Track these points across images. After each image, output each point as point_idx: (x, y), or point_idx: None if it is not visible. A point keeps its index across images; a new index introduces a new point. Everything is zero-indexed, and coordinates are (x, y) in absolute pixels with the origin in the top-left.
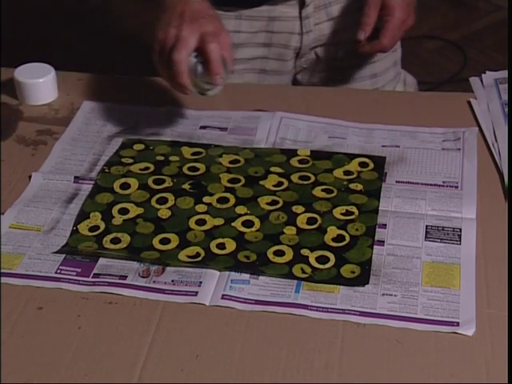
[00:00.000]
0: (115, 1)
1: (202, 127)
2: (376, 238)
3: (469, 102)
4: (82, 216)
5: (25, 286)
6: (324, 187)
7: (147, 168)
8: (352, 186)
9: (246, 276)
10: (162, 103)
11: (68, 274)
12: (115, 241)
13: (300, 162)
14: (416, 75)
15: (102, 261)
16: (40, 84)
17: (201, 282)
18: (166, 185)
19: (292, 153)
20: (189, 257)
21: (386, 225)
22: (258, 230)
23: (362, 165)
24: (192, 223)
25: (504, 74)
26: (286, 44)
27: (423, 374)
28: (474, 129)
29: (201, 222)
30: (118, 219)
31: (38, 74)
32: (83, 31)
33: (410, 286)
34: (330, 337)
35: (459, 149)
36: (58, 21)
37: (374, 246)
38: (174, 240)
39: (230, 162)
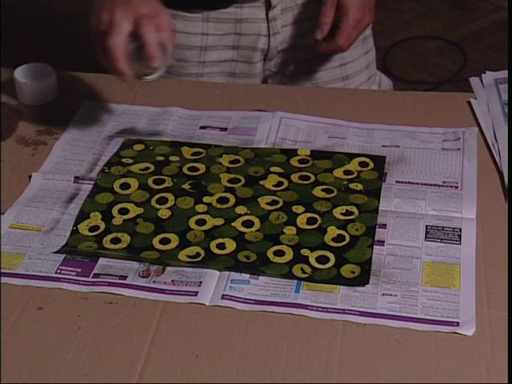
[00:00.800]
0: None
1: (202, 127)
2: (376, 238)
3: (469, 102)
4: (82, 216)
5: (25, 285)
6: (324, 187)
7: (147, 168)
8: (352, 185)
9: (245, 276)
10: (162, 103)
11: (68, 274)
12: (115, 241)
13: (300, 161)
14: (416, 75)
15: (102, 261)
16: (40, 84)
17: (201, 282)
18: (165, 185)
19: (292, 153)
20: (189, 257)
21: (385, 225)
22: (257, 230)
23: (362, 165)
24: (192, 223)
25: (504, 74)
26: (253, 46)
27: (423, 373)
28: (474, 129)
29: (201, 222)
30: (118, 219)
31: (38, 74)
32: (83, 31)
33: (410, 286)
34: (329, 337)
35: (459, 149)
36: (57, 21)
37: (374, 246)
38: (174, 240)
39: (230, 162)
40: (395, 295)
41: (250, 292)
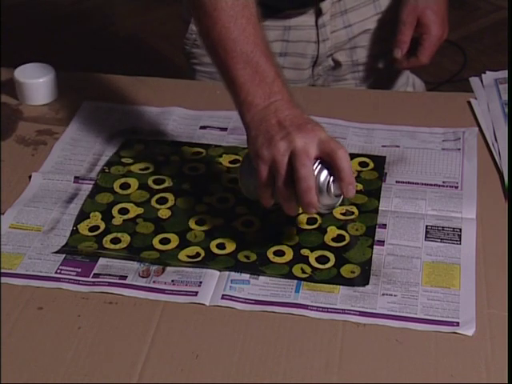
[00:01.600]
0: (115, 1)
1: (202, 127)
2: (376, 238)
3: (469, 102)
4: (82, 216)
5: (25, 285)
6: None
7: (147, 168)
8: None
9: (245, 276)
10: (162, 103)
11: (68, 274)
12: (115, 241)
13: None
14: (416, 75)
15: (102, 261)
16: (40, 84)
17: (201, 282)
18: (165, 185)
19: None
20: (189, 257)
21: (385, 225)
22: (258, 230)
23: (362, 164)
24: (192, 223)
25: (504, 74)
26: (302, 53)
27: (423, 373)
28: (474, 129)
29: (201, 222)
30: (117, 219)
31: (38, 74)
32: (83, 31)
33: (410, 285)
34: (329, 337)
35: (459, 149)
36: (57, 21)
37: (374, 246)
38: (174, 240)
39: (230, 162)
40: (395, 295)
41: (250, 292)
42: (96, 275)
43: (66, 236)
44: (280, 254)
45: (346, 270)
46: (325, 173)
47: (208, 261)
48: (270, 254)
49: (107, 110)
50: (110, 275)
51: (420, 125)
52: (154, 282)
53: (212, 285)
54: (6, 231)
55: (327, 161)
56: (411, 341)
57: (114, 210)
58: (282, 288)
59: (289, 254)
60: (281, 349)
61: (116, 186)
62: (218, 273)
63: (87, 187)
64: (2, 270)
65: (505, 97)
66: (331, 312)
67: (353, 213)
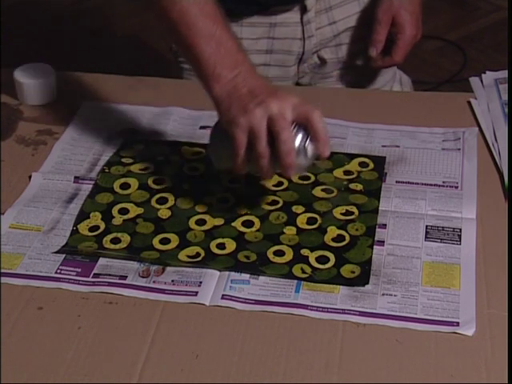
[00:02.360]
0: (115, 1)
1: (202, 127)
2: (376, 238)
3: (469, 102)
4: (82, 216)
5: (25, 285)
6: (324, 187)
7: (147, 168)
8: (352, 185)
9: (246, 276)
10: (162, 103)
11: (68, 274)
12: (115, 241)
13: None
14: (416, 75)
15: (102, 261)
16: (40, 84)
17: (201, 282)
18: (165, 185)
19: None
20: (189, 257)
21: (385, 225)
22: (258, 230)
23: (362, 165)
24: (192, 223)
25: (504, 74)
26: (288, 50)
27: (423, 373)
28: (474, 129)
29: (201, 222)
30: (118, 219)
31: (38, 74)
32: (83, 31)
33: (410, 286)
34: (329, 337)
35: (459, 149)
36: (57, 21)
37: (374, 246)
38: (174, 240)
39: None
40: (395, 295)
41: (250, 292)
42: (96, 275)
43: (65, 236)
44: (280, 254)
45: (346, 270)
46: (300, 135)
47: (208, 261)
48: (269, 254)
49: (107, 110)
50: (109, 275)
51: (420, 125)
52: (153, 281)
53: (212, 285)
54: (5, 231)
55: (302, 124)
56: (411, 341)
57: (114, 210)
58: (282, 288)
59: (289, 254)
60: (281, 349)
61: (116, 185)
62: (218, 273)
63: (87, 187)
64: (2, 270)
65: (505, 97)
66: (331, 312)
67: (353, 213)
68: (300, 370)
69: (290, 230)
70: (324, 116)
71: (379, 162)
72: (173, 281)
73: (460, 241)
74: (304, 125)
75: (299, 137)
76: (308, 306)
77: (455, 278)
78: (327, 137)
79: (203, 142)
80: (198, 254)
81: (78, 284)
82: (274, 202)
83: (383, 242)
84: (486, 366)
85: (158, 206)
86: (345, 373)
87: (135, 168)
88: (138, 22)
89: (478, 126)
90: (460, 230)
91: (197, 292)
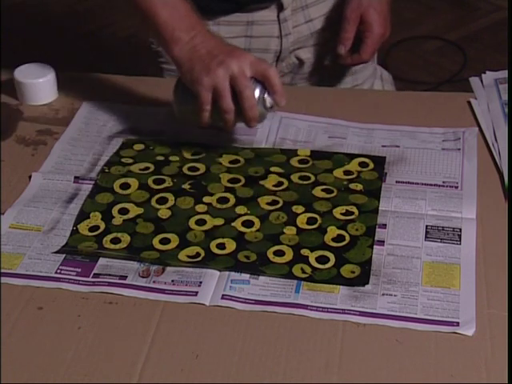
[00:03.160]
0: (115, 1)
1: (202, 127)
2: (376, 238)
3: (469, 102)
4: (82, 216)
5: (25, 285)
6: (324, 187)
7: (147, 168)
8: (352, 185)
9: (246, 276)
10: (162, 103)
11: (68, 274)
12: (115, 241)
13: (300, 161)
14: (416, 75)
15: (101, 261)
16: (40, 84)
17: (201, 282)
18: (165, 185)
19: (292, 153)
20: (189, 257)
21: (385, 225)
22: (258, 230)
23: (362, 165)
24: (192, 223)
25: (504, 74)
26: (265, 48)
27: (423, 373)
28: (474, 129)
29: (201, 222)
30: (118, 219)
31: (38, 74)
32: (83, 31)
33: (410, 286)
34: (329, 337)
35: (459, 149)
36: (57, 21)
37: (374, 246)
38: (174, 240)
39: (230, 162)
40: (395, 295)
41: (250, 292)
42: (96, 275)
43: (65, 236)
44: (280, 254)
45: (346, 270)
46: (259, 89)
47: (208, 261)
48: (269, 254)
49: (107, 110)
50: (109, 275)
51: (420, 125)
52: (154, 281)
53: (212, 285)
54: (5, 231)
55: (260, 79)
56: (411, 341)
57: (114, 210)
58: (281, 288)
59: (289, 254)
60: (281, 349)
61: (116, 186)
62: (218, 273)
63: (87, 187)
64: (2, 270)
65: (505, 97)
66: (331, 312)
67: (353, 213)
68: (300, 370)
69: (290, 230)
70: (324, 116)
71: (379, 161)
72: (173, 281)
73: (460, 241)
74: (261, 80)
75: (257, 90)
76: (308, 305)
77: (455, 278)
78: (283, 89)
79: (203, 142)
80: (197, 254)
81: (78, 284)
82: (274, 202)
83: (383, 241)
84: (486, 366)
85: (157, 206)
86: (345, 373)
87: (135, 168)
88: (137, 22)
89: (478, 126)
90: (460, 229)
91: (197, 292)
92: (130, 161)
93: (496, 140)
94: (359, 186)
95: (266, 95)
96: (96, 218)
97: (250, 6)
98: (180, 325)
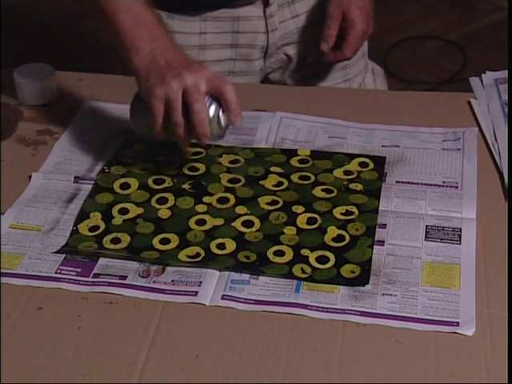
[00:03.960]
0: None
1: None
2: (376, 237)
3: (469, 102)
4: (82, 216)
5: (25, 285)
6: (324, 187)
7: (147, 168)
8: (352, 185)
9: (246, 276)
10: None
11: (68, 274)
12: (115, 241)
13: (300, 161)
14: (416, 75)
15: (102, 261)
16: (40, 84)
17: (201, 282)
18: (165, 185)
19: (292, 153)
20: (189, 257)
21: (385, 225)
22: (258, 230)
23: (362, 165)
24: (192, 223)
25: (504, 74)
26: (252, 44)
27: (423, 373)
28: (474, 129)
29: (201, 222)
30: (118, 219)
31: (38, 74)
32: (83, 31)
33: (410, 285)
34: (329, 337)
35: (459, 149)
36: (57, 21)
37: (374, 246)
38: (174, 240)
39: (230, 162)
40: (395, 295)
41: (250, 292)
42: (96, 275)
43: (65, 236)
44: (280, 254)
45: (346, 270)
46: (214, 106)
47: (208, 261)
48: (269, 254)
49: (107, 110)
50: (109, 275)
51: (420, 125)
52: (154, 281)
53: (212, 285)
54: (6, 231)
55: (216, 95)
56: (411, 341)
57: (114, 210)
58: (282, 288)
59: (289, 254)
60: (281, 349)
61: (116, 186)
62: (218, 273)
63: (87, 187)
64: (2, 270)
65: (505, 97)
66: (331, 312)
67: (353, 213)
68: (300, 370)
69: (289, 230)
70: (324, 116)
71: (379, 161)
72: (173, 281)
73: (460, 241)
74: (217, 96)
75: (213, 107)
76: (308, 305)
77: (455, 278)
78: (238, 107)
79: None
80: (197, 254)
81: (78, 284)
82: (274, 202)
83: (383, 241)
84: (486, 366)
85: (158, 206)
86: (345, 373)
87: (135, 168)
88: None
89: (478, 126)
90: (460, 229)
91: (197, 292)
92: (130, 161)
93: (496, 140)
94: (359, 186)
95: (221, 113)
96: (96, 218)
97: (236, 1)
98: (180, 325)
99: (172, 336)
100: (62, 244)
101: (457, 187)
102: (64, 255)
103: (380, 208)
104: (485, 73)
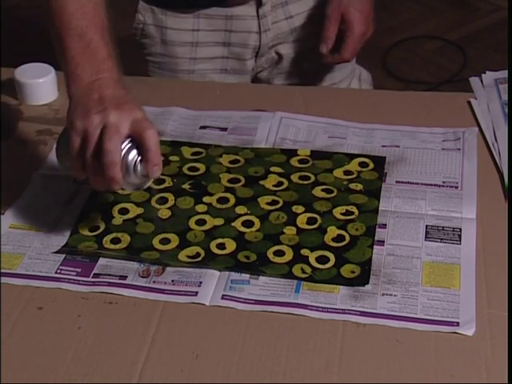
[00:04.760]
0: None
1: (202, 127)
2: (376, 237)
3: (469, 102)
4: (82, 216)
5: (25, 285)
6: (324, 187)
7: None
8: (352, 185)
9: (246, 276)
10: (162, 103)
11: (68, 274)
12: (115, 241)
13: (300, 161)
14: (416, 75)
15: (101, 261)
16: (40, 84)
17: (201, 282)
18: (165, 185)
19: (292, 153)
20: (189, 257)
21: (386, 225)
22: (258, 230)
23: (362, 165)
24: (192, 223)
25: (504, 74)
26: (244, 43)
27: (423, 373)
28: (474, 129)
29: (201, 222)
30: (118, 219)
31: (38, 74)
32: None
33: (410, 285)
34: (329, 337)
35: (459, 149)
36: None
37: (374, 246)
38: (174, 240)
39: (230, 162)
40: (395, 295)
41: (250, 292)
42: (96, 275)
43: (65, 236)
44: (280, 254)
45: (346, 270)
46: (134, 152)
47: (208, 261)
48: (270, 254)
49: None
50: (109, 275)
51: (420, 125)
52: (153, 282)
53: (212, 285)
54: (5, 231)
55: (138, 140)
56: (411, 341)
57: (114, 210)
58: (282, 288)
59: (289, 254)
60: (281, 349)
61: None
62: (218, 273)
63: (87, 187)
64: (2, 270)
65: (505, 97)
66: (331, 312)
67: (353, 213)
68: (300, 370)
69: (289, 230)
70: (324, 116)
71: (379, 161)
72: (173, 281)
73: (460, 241)
74: (138, 140)
75: (133, 152)
76: (308, 305)
77: (455, 278)
78: (157, 157)
79: (203, 142)
80: (198, 254)
81: (78, 284)
82: (274, 202)
83: (383, 241)
84: (486, 366)
85: (158, 206)
86: (345, 373)
87: None
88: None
89: (478, 126)
90: (460, 229)
91: (197, 292)
92: None
93: (496, 140)
94: (359, 186)
95: (138, 160)
96: (96, 218)
97: (229, 0)
98: (180, 325)
99: (172, 336)
100: (62, 244)
101: (457, 187)
102: (64, 255)
103: (380, 208)
104: (485, 73)
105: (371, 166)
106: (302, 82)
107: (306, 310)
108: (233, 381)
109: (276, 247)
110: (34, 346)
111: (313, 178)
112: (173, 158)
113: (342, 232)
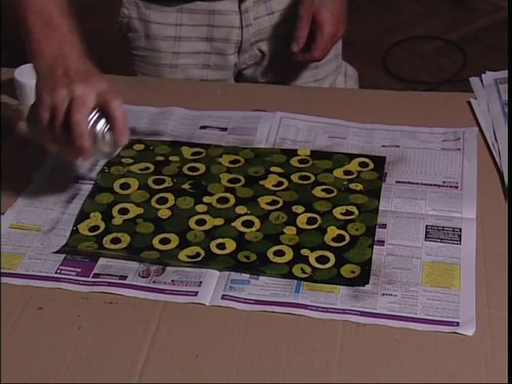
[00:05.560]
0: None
1: (202, 127)
2: (376, 237)
3: (469, 102)
4: (82, 216)
5: (25, 285)
6: (324, 187)
7: (147, 168)
8: (352, 185)
9: (246, 276)
10: (162, 103)
11: (68, 274)
12: (115, 241)
13: (300, 161)
14: (416, 75)
15: (101, 261)
16: None
17: (201, 282)
18: (165, 185)
19: (292, 153)
20: (189, 257)
21: (386, 225)
22: (258, 230)
23: (362, 165)
24: (192, 223)
25: (504, 74)
26: (226, 38)
27: (423, 373)
28: (474, 129)
29: (201, 222)
30: (117, 219)
31: None
32: (83, 31)
33: (410, 285)
34: (329, 337)
35: (459, 149)
36: None
37: (374, 246)
38: (174, 240)
39: (230, 162)
40: (395, 295)
41: (250, 292)
42: (96, 275)
43: (65, 236)
44: (280, 254)
45: (346, 270)
46: (102, 122)
47: (208, 261)
48: (269, 254)
49: None
50: (109, 275)
51: (420, 125)
52: (153, 282)
53: (212, 285)
54: (6, 231)
55: (104, 110)
56: (411, 341)
57: (114, 210)
58: (282, 288)
59: (289, 254)
60: (281, 349)
61: (116, 185)
62: (218, 273)
63: (87, 187)
64: (2, 270)
65: (505, 97)
66: (331, 312)
67: (353, 213)
68: (300, 370)
69: (289, 230)
70: (324, 116)
71: (379, 161)
72: (173, 281)
73: (460, 241)
74: (105, 110)
75: (101, 123)
76: (308, 305)
77: (455, 278)
78: (124, 125)
79: (203, 142)
80: (198, 254)
81: (78, 284)
82: (274, 202)
83: (383, 241)
84: (486, 366)
85: (158, 206)
86: (345, 373)
87: (135, 168)
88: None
89: (478, 126)
90: (460, 229)
91: (197, 292)
92: (130, 161)
93: (496, 140)
94: (359, 186)
95: (106, 129)
96: (96, 218)
97: None
98: (180, 325)
99: (172, 336)
100: (62, 244)
101: (457, 187)
102: (64, 255)
103: (380, 208)
104: (485, 73)
105: (371, 166)
106: (286, 79)
107: (306, 310)
108: (233, 381)
109: (276, 247)
110: (33, 346)
111: (313, 178)
112: (173, 158)
113: (342, 232)
